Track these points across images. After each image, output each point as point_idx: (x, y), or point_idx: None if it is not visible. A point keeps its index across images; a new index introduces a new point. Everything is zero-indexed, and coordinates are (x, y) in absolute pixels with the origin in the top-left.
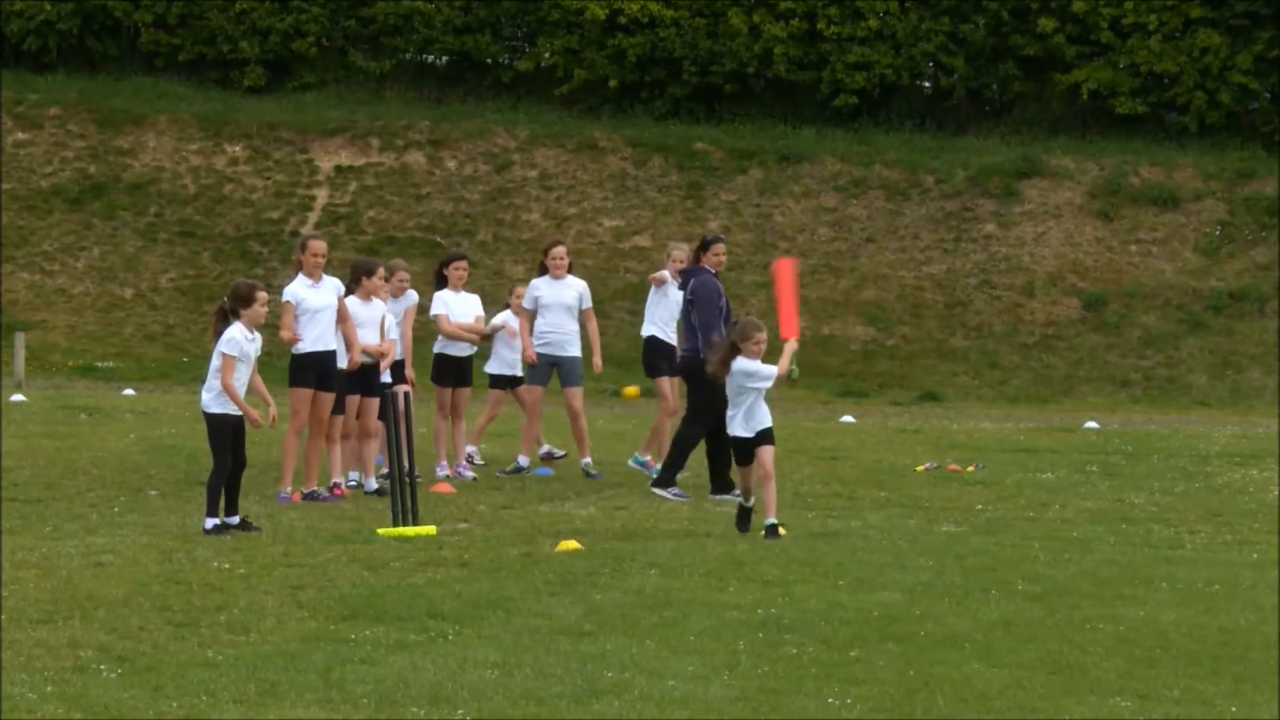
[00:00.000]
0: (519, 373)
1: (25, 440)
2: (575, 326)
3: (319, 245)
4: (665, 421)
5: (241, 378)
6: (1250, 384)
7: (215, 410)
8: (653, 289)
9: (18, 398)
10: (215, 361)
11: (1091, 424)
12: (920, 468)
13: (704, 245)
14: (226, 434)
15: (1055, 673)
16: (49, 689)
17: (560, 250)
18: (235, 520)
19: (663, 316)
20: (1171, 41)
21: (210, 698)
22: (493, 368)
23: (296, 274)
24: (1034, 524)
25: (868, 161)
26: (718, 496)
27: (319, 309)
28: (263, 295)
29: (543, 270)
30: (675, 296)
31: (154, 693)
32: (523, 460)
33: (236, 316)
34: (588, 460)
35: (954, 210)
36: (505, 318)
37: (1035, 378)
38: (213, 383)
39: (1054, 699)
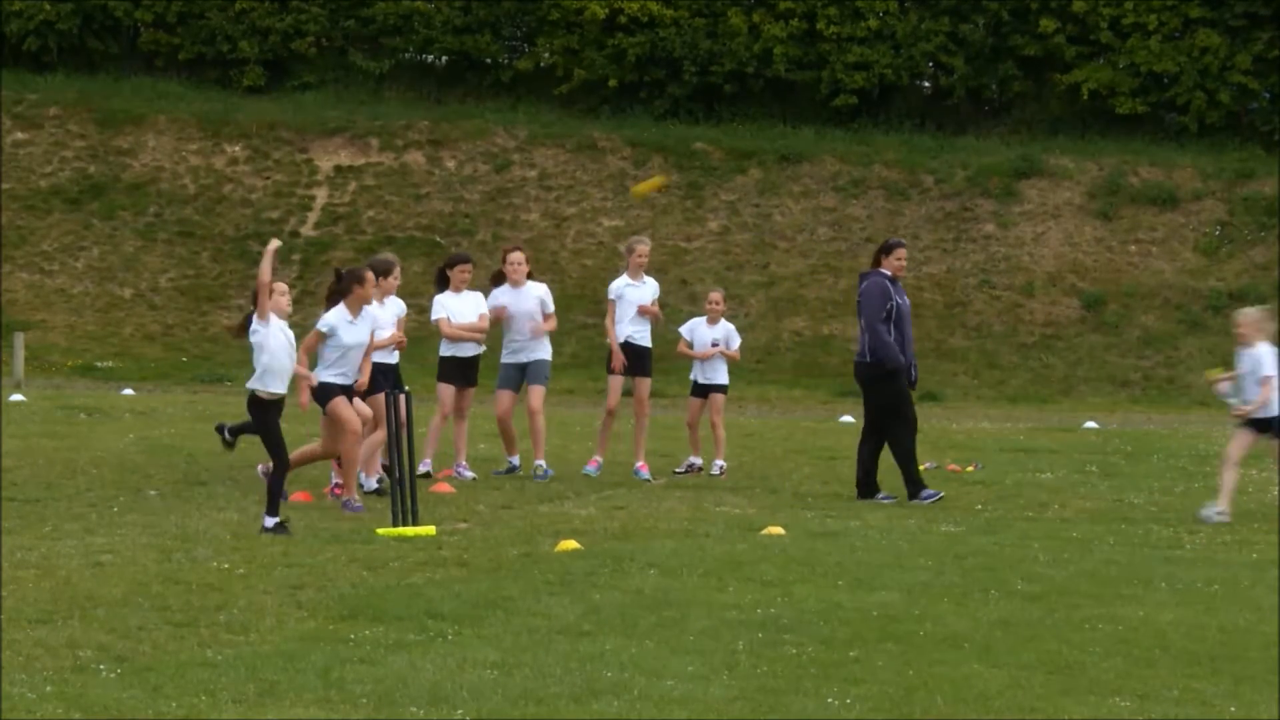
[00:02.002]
0: (717, 380)
1: (24, 440)
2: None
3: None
4: (606, 420)
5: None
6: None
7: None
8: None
9: (17, 397)
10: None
11: (1091, 424)
12: (920, 467)
13: (885, 249)
14: (271, 421)
15: (1054, 672)
16: (48, 689)
17: (518, 256)
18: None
19: (629, 316)
20: (1171, 42)
21: (209, 697)
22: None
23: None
24: (1033, 524)
25: (867, 161)
26: (866, 500)
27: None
28: (281, 285)
29: (499, 279)
30: (632, 296)
31: (153, 692)
32: (514, 460)
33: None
34: (540, 461)
35: (953, 210)
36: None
37: (1034, 377)
38: (256, 363)
39: (1053, 699)
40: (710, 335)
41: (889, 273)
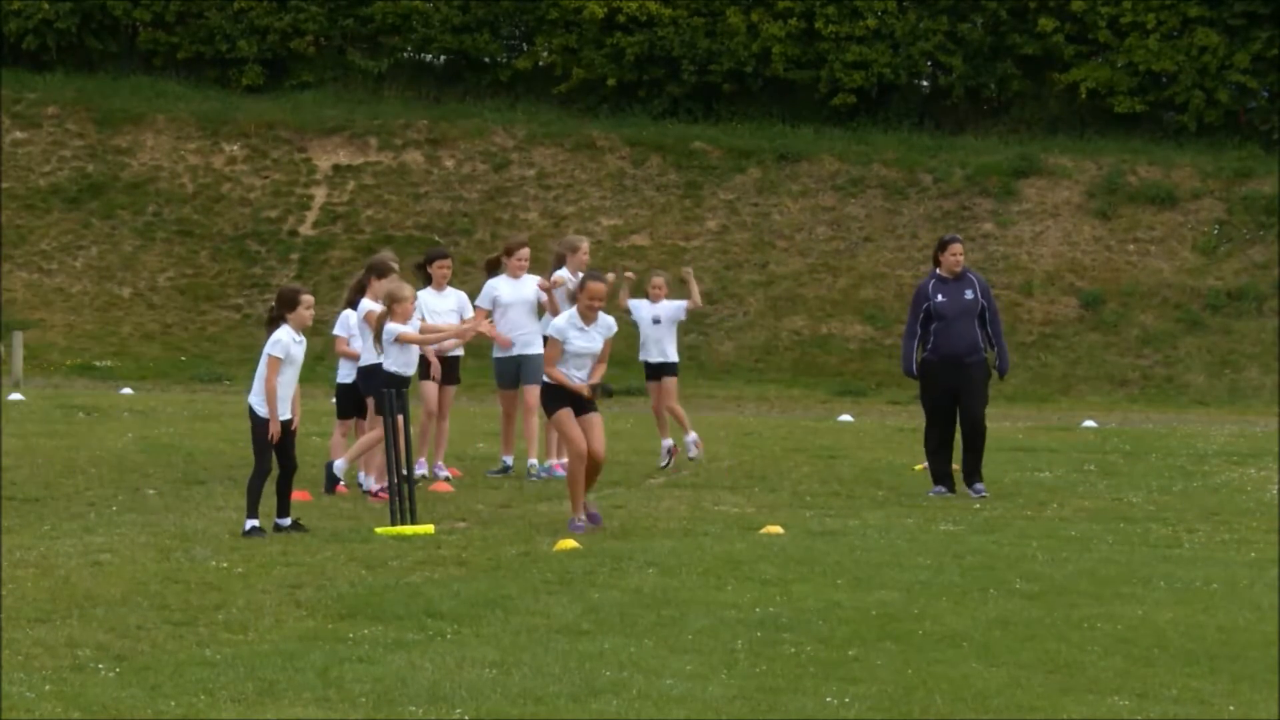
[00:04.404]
0: (668, 359)
1: (23, 439)
2: (536, 325)
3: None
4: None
5: (287, 379)
6: (1248, 383)
7: (263, 413)
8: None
9: (16, 397)
10: (261, 363)
11: (1089, 423)
12: (919, 466)
13: (937, 247)
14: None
15: (1053, 671)
16: (47, 688)
17: (525, 252)
18: (287, 522)
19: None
20: (1170, 41)
21: (208, 696)
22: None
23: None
24: (1032, 523)
25: (866, 160)
26: (973, 488)
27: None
28: (308, 299)
29: (493, 269)
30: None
31: (152, 691)
32: (508, 460)
33: (283, 321)
34: (534, 460)
35: (952, 209)
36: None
37: (1033, 376)
38: (259, 385)
39: (1052, 698)
40: (652, 311)
41: (942, 271)
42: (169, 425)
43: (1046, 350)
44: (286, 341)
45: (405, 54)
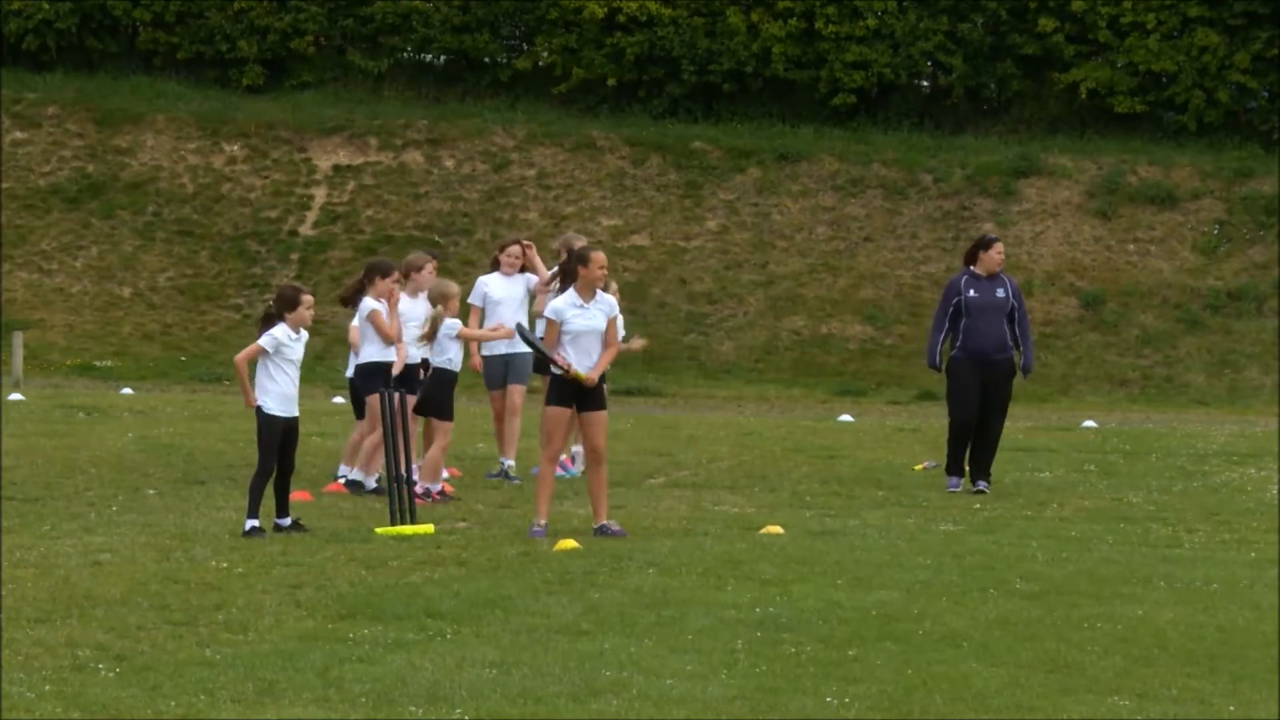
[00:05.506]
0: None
1: (23, 439)
2: (526, 322)
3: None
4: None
5: (288, 377)
6: (1248, 383)
7: (268, 411)
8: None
9: (16, 397)
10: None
11: (1089, 423)
12: (918, 467)
13: (980, 245)
14: (276, 435)
15: (1053, 671)
16: (47, 688)
17: (515, 249)
18: (287, 522)
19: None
20: (1170, 40)
21: (208, 697)
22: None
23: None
24: (1032, 523)
25: (866, 161)
26: (978, 484)
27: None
28: (308, 299)
29: (495, 266)
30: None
31: (152, 691)
32: (506, 462)
33: (282, 319)
34: (510, 462)
35: (952, 209)
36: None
37: (1033, 376)
38: (264, 383)
39: (1052, 698)
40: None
41: (978, 269)
42: (169, 425)
43: (1046, 350)
44: (281, 338)
45: (405, 54)
